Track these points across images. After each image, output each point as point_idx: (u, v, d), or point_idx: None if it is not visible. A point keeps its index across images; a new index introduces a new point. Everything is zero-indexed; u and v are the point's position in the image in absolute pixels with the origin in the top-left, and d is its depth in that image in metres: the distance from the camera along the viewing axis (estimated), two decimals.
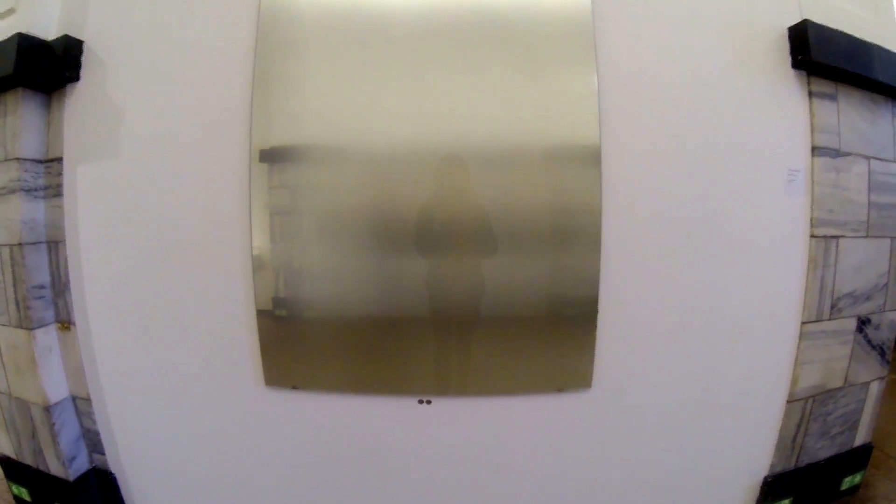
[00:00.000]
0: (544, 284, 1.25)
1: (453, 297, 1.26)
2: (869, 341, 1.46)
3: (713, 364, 1.32)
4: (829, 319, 1.36)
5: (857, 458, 1.56)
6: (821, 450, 1.47)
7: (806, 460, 1.45)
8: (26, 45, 1.24)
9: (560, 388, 1.31)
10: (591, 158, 1.22)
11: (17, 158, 1.30)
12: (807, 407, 1.39)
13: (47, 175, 1.35)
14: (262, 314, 1.27)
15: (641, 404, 1.32)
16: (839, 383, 1.43)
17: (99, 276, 1.34)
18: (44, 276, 1.36)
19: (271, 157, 1.23)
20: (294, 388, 1.33)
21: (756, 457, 1.40)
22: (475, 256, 1.24)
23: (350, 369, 1.32)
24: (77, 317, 1.36)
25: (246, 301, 1.28)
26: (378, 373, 1.31)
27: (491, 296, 1.25)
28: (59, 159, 1.33)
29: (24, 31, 1.25)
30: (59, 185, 1.33)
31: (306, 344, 1.31)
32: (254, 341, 1.30)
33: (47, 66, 1.28)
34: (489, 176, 1.21)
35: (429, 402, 1.32)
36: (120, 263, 1.33)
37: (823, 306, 1.34)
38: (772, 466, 1.40)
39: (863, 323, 1.43)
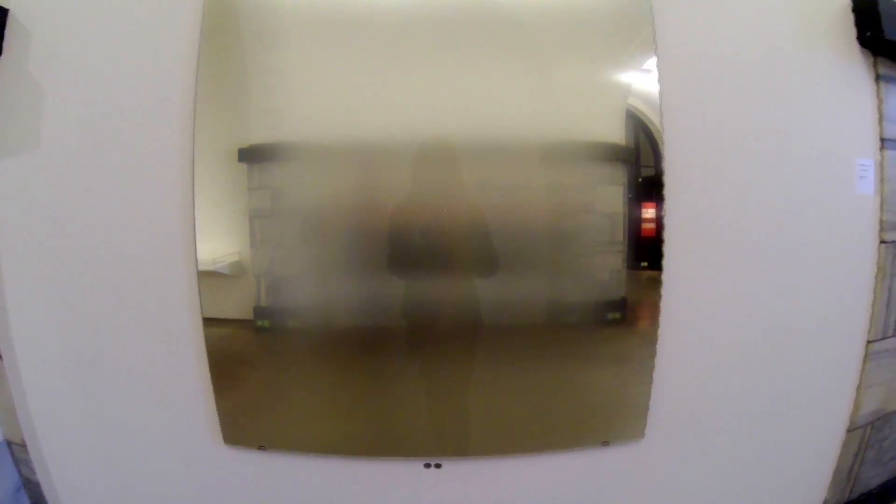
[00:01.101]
0: (588, 314, 1.02)
1: (468, 329, 1.00)
2: None
3: (778, 396, 1.10)
4: (893, 336, 1.16)
5: None
6: (874, 478, 1.28)
7: (859, 490, 1.26)
8: None
9: (606, 441, 1.05)
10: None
11: None
12: (865, 434, 1.19)
13: None
14: (213, 347, 1.00)
15: (701, 451, 1.09)
16: None
17: (25, 296, 1.05)
18: None
19: (250, 156, 1.02)
20: (261, 448, 1.05)
21: (811, 493, 1.19)
22: (494, 277, 0.99)
23: (334, 425, 1.04)
24: (2, 346, 1.07)
25: (194, 333, 1.01)
26: (372, 428, 1.04)
27: (515, 329, 1.00)
28: None
29: None
30: None
31: (275, 390, 1.04)
32: (205, 386, 1.01)
33: None
34: (504, 177, 0.99)
35: (438, 466, 1.04)
36: (49, 281, 1.04)
37: (889, 321, 1.14)
38: (825, 501, 1.20)
39: None
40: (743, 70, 1.04)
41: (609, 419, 1.06)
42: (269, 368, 1.04)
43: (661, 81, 1.02)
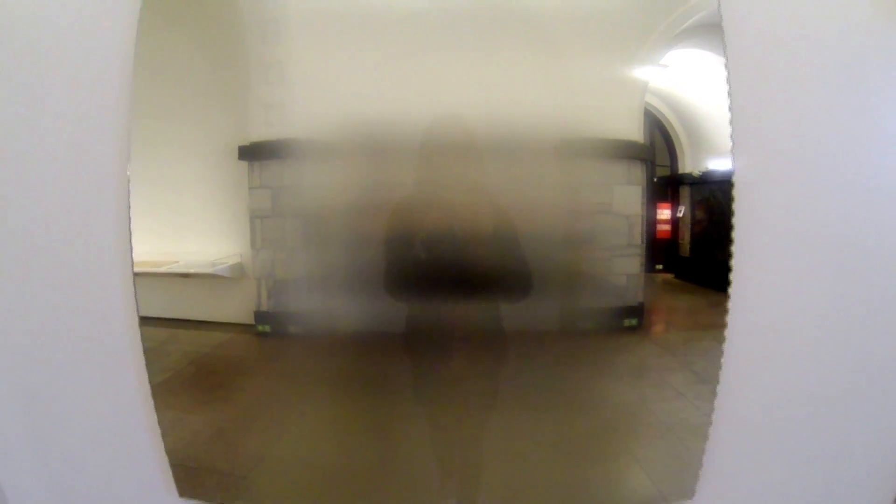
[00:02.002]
0: (606, 323, 0.94)
1: (487, 368, 0.86)
2: None
3: (845, 445, 0.96)
4: None
5: None
6: None
7: None
8: None
9: None
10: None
11: None
12: None
13: None
14: (159, 371, 0.89)
15: None
16: None
17: None
18: None
19: (250, 153, 0.96)
20: None
21: None
22: (524, 301, 0.84)
23: (311, 479, 0.89)
24: None
25: (133, 353, 0.89)
26: (357, 487, 0.88)
27: (539, 365, 0.87)
28: None
29: None
30: None
31: (240, 430, 0.91)
32: (151, 420, 0.88)
33: None
34: (521, 175, 0.90)
35: None
36: None
37: None
38: None
39: None
40: (819, 53, 0.90)
41: (651, 473, 0.92)
42: (235, 400, 0.93)
43: (729, 72, 0.89)
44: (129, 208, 0.90)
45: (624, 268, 0.98)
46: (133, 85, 0.89)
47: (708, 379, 0.98)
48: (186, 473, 0.86)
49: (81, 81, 0.91)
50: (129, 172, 0.90)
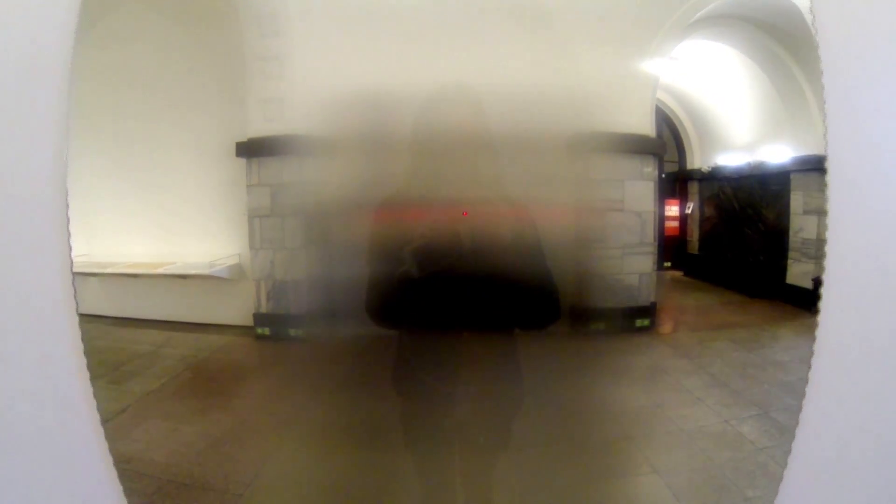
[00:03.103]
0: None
1: (498, 416, 0.72)
2: None
3: None
4: None
5: None
6: None
7: None
8: None
9: None
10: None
11: None
12: None
13: None
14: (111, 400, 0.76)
15: None
16: None
17: None
18: None
19: (249, 150, 0.90)
20: None
21: None
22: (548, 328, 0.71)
23: (316, 494, 0.78)
24: None
25: (79, 383, 0.72)
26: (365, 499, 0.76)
27: (553, 378, 0.75)
28: None
29: None
30: None
31: (237, 439, 0.81)
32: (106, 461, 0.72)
33: None
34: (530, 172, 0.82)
35: None
36: None
37: None
38: None
39: None
40: None
41: (672, 486, 0.81)
42: (232, 409, 0.85)
43: (821, 56, 0.73)
44: (66, 206, 0.75)
45: (636, 266, 0.91)
46: (71, 79, 0.76)
47: (724, 382, 0.93)
48: (179, 491, 0.78)
49: (14, 77, 0.76)
50: (65, 170, 0.75)
